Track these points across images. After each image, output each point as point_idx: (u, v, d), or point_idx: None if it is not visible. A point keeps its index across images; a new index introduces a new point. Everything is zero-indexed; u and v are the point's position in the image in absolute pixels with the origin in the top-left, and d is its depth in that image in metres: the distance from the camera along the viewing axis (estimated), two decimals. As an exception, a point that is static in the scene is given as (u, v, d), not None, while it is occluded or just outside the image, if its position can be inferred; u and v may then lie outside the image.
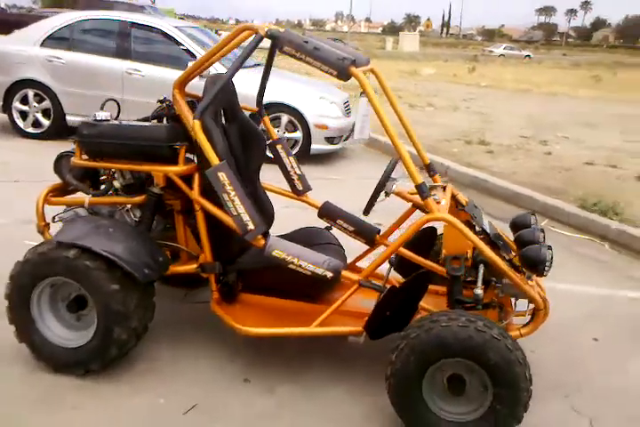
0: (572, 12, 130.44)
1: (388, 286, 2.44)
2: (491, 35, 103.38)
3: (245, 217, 2.35)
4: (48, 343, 2.50)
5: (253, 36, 2.44)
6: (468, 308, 2.40)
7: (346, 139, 7.07)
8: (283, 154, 3.14)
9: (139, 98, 6.49)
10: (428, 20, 65.94)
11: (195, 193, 2.53)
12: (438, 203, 2.50)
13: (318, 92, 6.85)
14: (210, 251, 2.60)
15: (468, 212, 2.60)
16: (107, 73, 6.56)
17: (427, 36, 53.50)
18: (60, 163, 2.83)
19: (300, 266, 2.38)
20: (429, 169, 2.95)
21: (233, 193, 2.34)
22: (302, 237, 2.88)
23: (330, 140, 6.67)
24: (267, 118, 3.23)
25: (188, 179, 2.55)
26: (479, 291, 2.33)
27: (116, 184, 2.68)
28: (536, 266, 2.29)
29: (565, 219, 5.17)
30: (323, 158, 6.91)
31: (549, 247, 2.31)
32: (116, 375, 2.54)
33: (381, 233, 3.01)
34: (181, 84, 2.67)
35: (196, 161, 2.63)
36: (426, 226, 3.03)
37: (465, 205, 2.71)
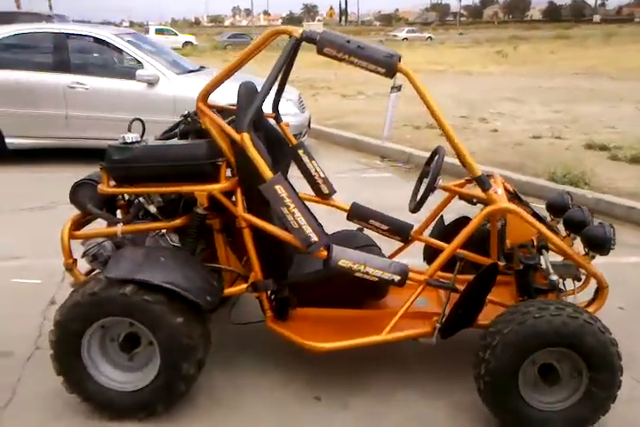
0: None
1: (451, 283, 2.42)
2: (388, 19, 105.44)
3: (307, 229, 2.25)
4: (104, 390, 2.30)
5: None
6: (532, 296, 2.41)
7: (303, 135, 6.98)
8: (306, 159, 3.04)
9: (86, 113, 6.16)
10: (331, 8, 65.86)
11: (240, 210, 2.40)
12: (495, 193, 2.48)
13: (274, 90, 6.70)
14: (260, 268, 2.48)
15: (521, 200, 2.61)
16: (46, 89, 6.13)
17: (328, 25, 53.74)
18: (78, 192, 2.60)
19: (366, 273, 2.30)
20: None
21: (292, 206, 2.23)
22: (341, 241, 2.79)
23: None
24: (283, 124, 3.11)
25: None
26: (555, 277, 2.34)
27: (152, 209, 2.50)
28: (603, 245, 2.33)
29: (539, 193, 5.32)
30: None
31: (611, 226, 2.36)
32: (179, 413, 2.38)
33: (414, 229, 2.98)
34: (206, 95, 2.51)
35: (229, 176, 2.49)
36: (460, 216, 3.06)
37: (514, 193, 2.71)
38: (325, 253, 2.27)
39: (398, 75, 2.38)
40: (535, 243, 2.40)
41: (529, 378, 2.17)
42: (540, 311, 2.09)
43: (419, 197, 2.67)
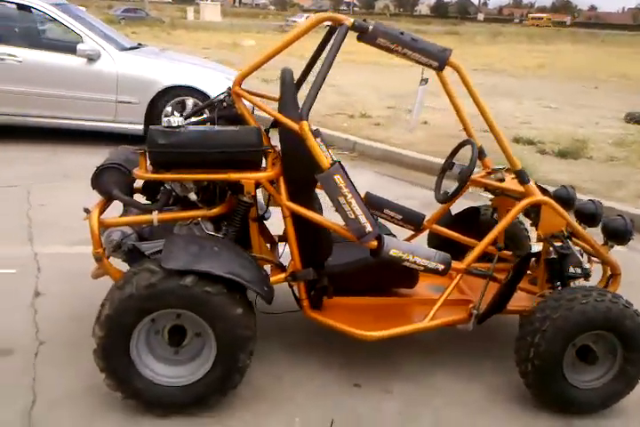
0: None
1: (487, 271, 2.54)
2: (282, 4, 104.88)
3: (363, 219, 2.25)
4: (152, 386, 2.19)
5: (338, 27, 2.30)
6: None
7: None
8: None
9: (17, 87, 5.66)
10: (232, -11, 64.67)
11: (284, 198, 2.36)
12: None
13: (223, 74, 6.52)
14: (299, 258, 2.45)
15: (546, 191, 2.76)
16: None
17: (222, 6, 52.67)
18: (102, 176, 2.43)
19: (414, 262, 2.35)
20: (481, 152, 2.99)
21: (349, 195, 2.22)
22: None
23: (238, 122, 6.42)
24: None
25: None
26: (588, 265, 2.52)
27: (193, 196, 2.38)
28: (623, 236, 2.54)
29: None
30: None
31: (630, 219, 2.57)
32: (221, 404, 2.31)
33: (427, 218, 3.07)
34: (241, 80, 2.41)
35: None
36: (470, 206, 3.18)
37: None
38: (376, 243, 2.29)
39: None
40: (565, 233, 2.57)
41: (569, 359, 2.34)
42: (585, 298, 2.25)
43: (452, 189, 2.74)
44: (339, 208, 2.22)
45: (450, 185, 2.85)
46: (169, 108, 6.00)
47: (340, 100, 10.04)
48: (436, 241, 3.17)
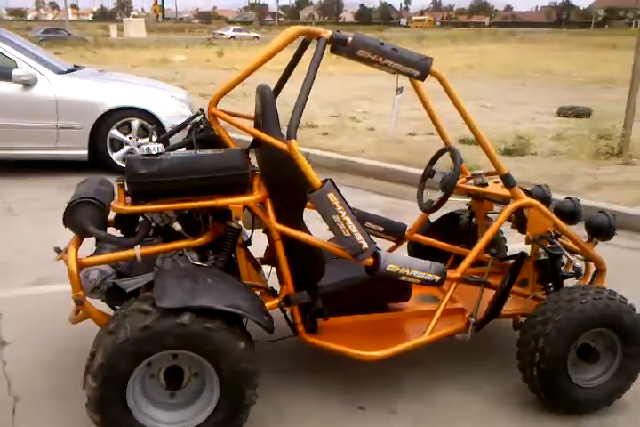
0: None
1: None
2: (207, 17, 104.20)
3: (359, 237, 2.19)
4: (150, 435, 2.05)
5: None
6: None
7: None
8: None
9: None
10: (155, 3, 62.93)
11: (273, 221, 2.27)
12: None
13: (167, 92, 6.35)
14: (292, 281, 2.36)
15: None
16: None
17: (146, 22, 51.82)
18: (75, 213, 2.27)
19: (411, 276, 2.31)
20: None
21: (344, 213, 2.16)
22: None
23: (187, 141, 6.25)
24: None
25: None
26: (579, 263, 2.54)
27: (177, 227, 2.25)
28: (608, 232, 2.57)
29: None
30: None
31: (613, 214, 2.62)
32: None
33: (408, 228, 3.04)
34: (217, 101, 2.32)
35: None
36: (448, 212, 3.17)
37: None
38: (372, 260, 2.24)
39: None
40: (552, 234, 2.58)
41: (571, 360, 2.34)
42: (583, 297, 2.27)
43: (436, 197, 2.72)
44: (333, 227, 2.16)
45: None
46: (114, 131, 5.79)
47: (280, 111, 9.98)
48: (416, 249, 3.14)
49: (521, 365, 2.36)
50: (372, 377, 2.62)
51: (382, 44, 2.26)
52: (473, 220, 3.07)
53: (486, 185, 2.81)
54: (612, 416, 2.41)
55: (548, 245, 2.51)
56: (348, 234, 2.17)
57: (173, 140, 3.13)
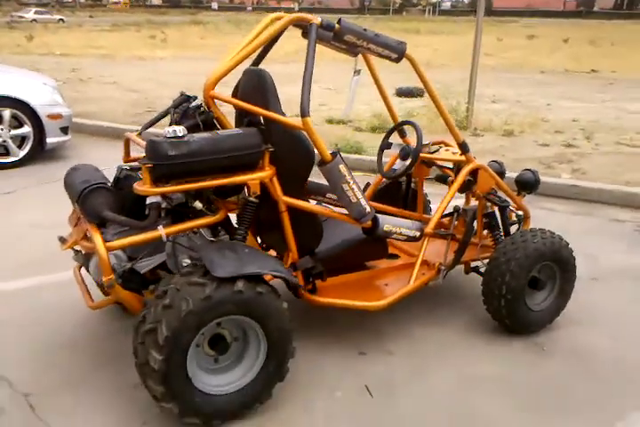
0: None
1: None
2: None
3: (363, 202, 2.49)
4: (210, 399, 2.17)
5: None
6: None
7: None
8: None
9: None
10: None
11: (281, 194, 2.47)
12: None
13: (39, 79, 5.92)
14: (296, 248, 2.59)
15: None
16: None
17: None
18: (89, 199, 2.26)
19: (400, 233, 2.67)
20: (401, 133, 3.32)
21: (352, 182, 2.44)
22: None
23: (64, 130, 5.93)
24: None
25: None
26: (521, 212, 3.06)
27: (198, 205, 2.34)
28: (533, 186, 3.14)
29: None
30: (55, 153, 6.12)
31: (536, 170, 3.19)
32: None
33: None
34: (215, 84, 2.43)
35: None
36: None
37: None
38: (371, 222, 2.55)
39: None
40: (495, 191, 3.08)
41: (525, 289, 2.86)
42: (534, 238, 2.80)
43: (399, 166, 3.07)
44: (342, 194, 2.43)
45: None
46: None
47: (137, 97, 9.71)
48: None
49: (489, 298, 2.83)
50: (360, 326, 2.95)
51: (365, 29, 2.54)
52: (412, 185, 3.50)
53: (436, 153, 3.21)
54: (554, 331, 2.99)
55: (496, 199, 3.01)
56: (355, 200, 2.46)
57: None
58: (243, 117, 2.62)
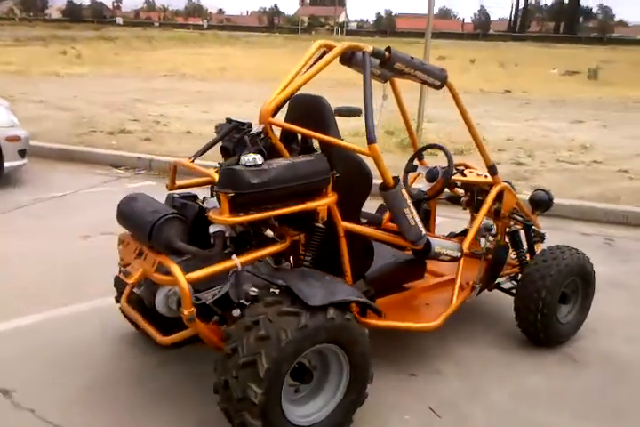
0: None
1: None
2: None
3: (420, 225, 2.55)
4: (300, 432, 2.13)
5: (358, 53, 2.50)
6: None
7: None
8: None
9: None
10: None
11: (340, 220, 2.48)
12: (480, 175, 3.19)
13: (-5, 101, 5.54)
14: (351, 273, 2.60)
15: None
16: None
17: None
18: (163, 230, 2.17)
19: (446, 255, 2.75)
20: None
21: (412, 206, 2.50)
22: None
23: (22, 153, 5.58)
24: None
25: None
26: (543, 231, 3.22)
27: (270, 233, 2.30)
28: (546, 205, 3.31)
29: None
30: (11, 179, 5.73)
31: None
32: None
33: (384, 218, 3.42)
34: (273, 111, 2.42)
35: None
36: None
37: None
38: (423, 244, 2.62)
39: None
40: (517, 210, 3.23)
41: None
42: (563, 254, 2.97)
43: (426, 188, 3.14)
44: (402, 218, 2.48)
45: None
46: None
47: (73, 117, 9.26)
48: None
49: (523, 314, 2.95)
50: (403, 347, 2.98)
51: (412, 58, 2.62)
52: (424, 205, 3.59)
53: (463, 175, 3.31)
54: (580, 341, 3.16)
55: (519, 218, 3.17)
56: (414, 223, 2.51)
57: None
58: (290, 142, 2.62)
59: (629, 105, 13.44)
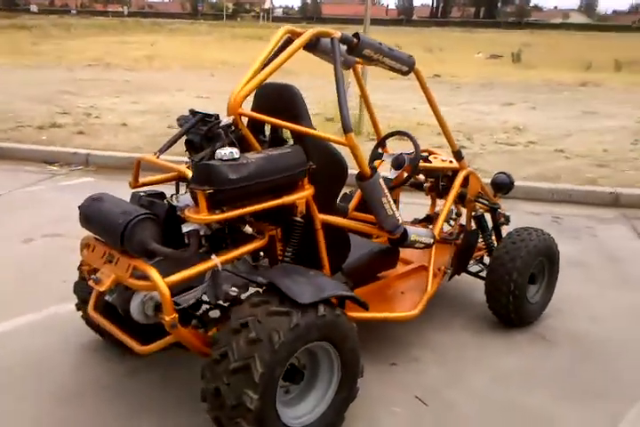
0: None
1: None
2: None
3: (397, 214, 2.52)
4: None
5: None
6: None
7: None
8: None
9: None
10: None
11: (317, 212, 2.41)
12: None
13: None
14: (329, 266, 2.54)
15: None
16: None
17: None
18: (136, 232, 2.02)
19: (421, 242, 2.73)
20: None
21: (389, 196, 2.46)
22: None
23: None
24: None
25: None
26: (508, 213, 3.25)
27: (249, 230, 2.19)
28: (508, 188, 3.35)
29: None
30: None
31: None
32: None
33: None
34: (242, 101, 2.30)
35: None
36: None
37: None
38: (400, 233, 2.59)
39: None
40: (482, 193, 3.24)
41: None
42: (530, 236, 3.01)
43: (393, 175, 3.09)
44: (379, 207, 2.44)
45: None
46: None
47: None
48: None
49: (495, 296, 2.98)
50: (379, 337, 2.95)
51: (380, 44, 2.56)
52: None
53: (428, 161, 3.28)
54: (547, 320, 3.23)
55: (485, 201, 3.19)
56: (391, 213, 2.48)
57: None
58: (258, 134, 2.51)
59: (554, 87, 13.93)
